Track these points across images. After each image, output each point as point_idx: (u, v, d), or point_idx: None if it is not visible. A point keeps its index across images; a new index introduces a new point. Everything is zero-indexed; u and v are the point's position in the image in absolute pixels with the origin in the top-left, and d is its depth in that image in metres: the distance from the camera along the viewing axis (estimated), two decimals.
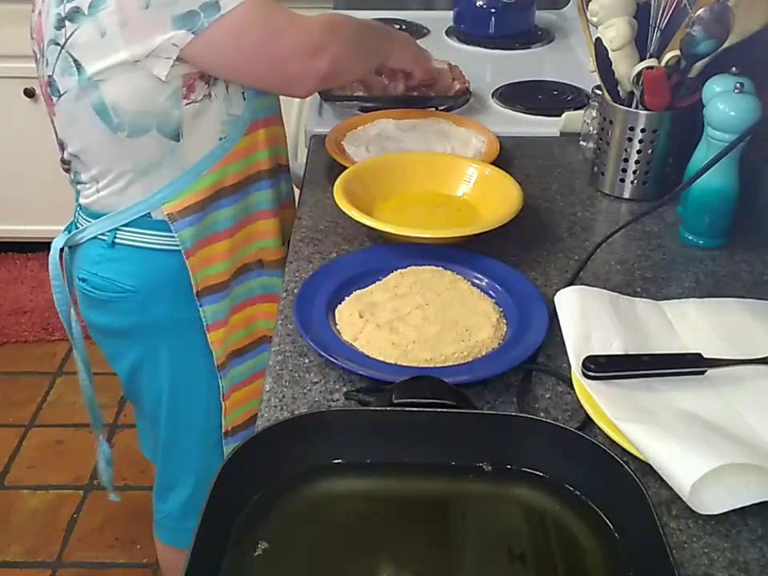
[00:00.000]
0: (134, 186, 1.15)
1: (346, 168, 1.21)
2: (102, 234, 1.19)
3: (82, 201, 1.21)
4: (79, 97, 1.09)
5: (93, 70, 1.06)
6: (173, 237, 1.16)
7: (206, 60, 1.07)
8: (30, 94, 2.47)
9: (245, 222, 1.23)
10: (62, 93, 1.11)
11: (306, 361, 0.92)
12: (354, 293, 0.99)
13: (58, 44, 1.07)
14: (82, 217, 1.22)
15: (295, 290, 1.02)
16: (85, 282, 1.23)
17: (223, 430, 1.31)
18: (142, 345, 1.26)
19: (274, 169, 1.25)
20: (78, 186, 1.22)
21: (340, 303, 0.98)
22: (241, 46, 1.07)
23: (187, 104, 1.09)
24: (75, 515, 2.02)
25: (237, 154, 1.17)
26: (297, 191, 1.33)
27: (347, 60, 1.16)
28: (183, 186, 1.15)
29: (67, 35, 1.06)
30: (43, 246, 2.81)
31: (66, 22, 1.06)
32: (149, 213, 1.16)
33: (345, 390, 0.87)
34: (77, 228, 1.23)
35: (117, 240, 1.18)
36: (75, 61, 1.07)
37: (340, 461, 0.75)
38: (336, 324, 0.95)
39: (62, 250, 1.24)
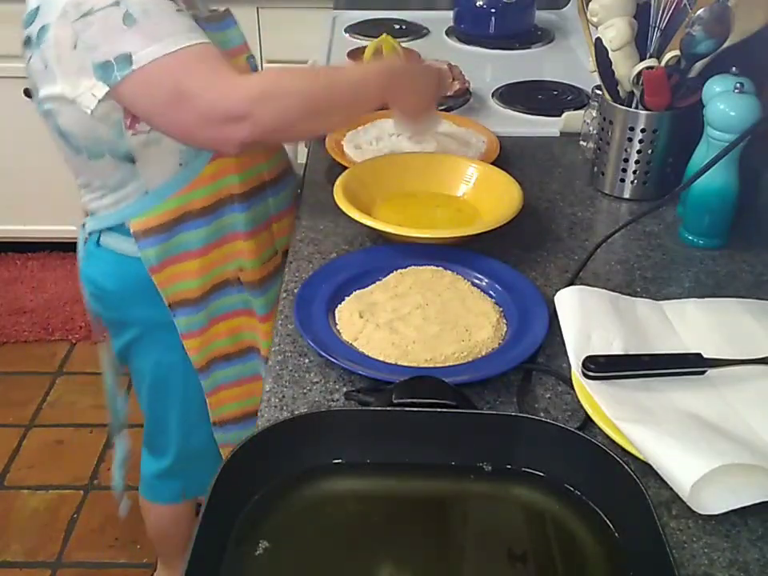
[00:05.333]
0: (108, 198, 1.17)
1: (346, 168, 1.21)
2: (92, 233, 1.22)
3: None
4: (45, 117, 1.12)
5: (41, 98, 1.08)
6: None
7: (129, 109, 1.04)
8: (30, 94, 2.47)
9: (219, 242, 1.22)
10: (38, 110, 1.13)
11: (306, 361, 0.92)
12: (353, 293, 0.99)
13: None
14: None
15: (295, 290, 1.02)
16: (80, 272, 1.28)
17: (211, 421, 1.33)
18: (124, 336, 1.31)
19: (251, 191, 1.21)
20: None
21: (340, 303, 0.98)
22: (151, 104, 1.02)
23: (134, 134, 1.07)
24: (75, 515, 2.02)
25: (203, 180, 1.15)
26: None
27: (284, 123, 1.02)
28: (148, 206, 1.14)
29: (27, 59, 1.08)
30: (43, 246, 2.84)
31: (24, 48, 1.07)
32: (124, 223, 1.17)
33: (345, 390, 0.87)
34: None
35: (101, 242, 1.21)
36: (34, 85, 1.09)
37: (340, 461, 0.75)
38: (336, 324, 0.95)
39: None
